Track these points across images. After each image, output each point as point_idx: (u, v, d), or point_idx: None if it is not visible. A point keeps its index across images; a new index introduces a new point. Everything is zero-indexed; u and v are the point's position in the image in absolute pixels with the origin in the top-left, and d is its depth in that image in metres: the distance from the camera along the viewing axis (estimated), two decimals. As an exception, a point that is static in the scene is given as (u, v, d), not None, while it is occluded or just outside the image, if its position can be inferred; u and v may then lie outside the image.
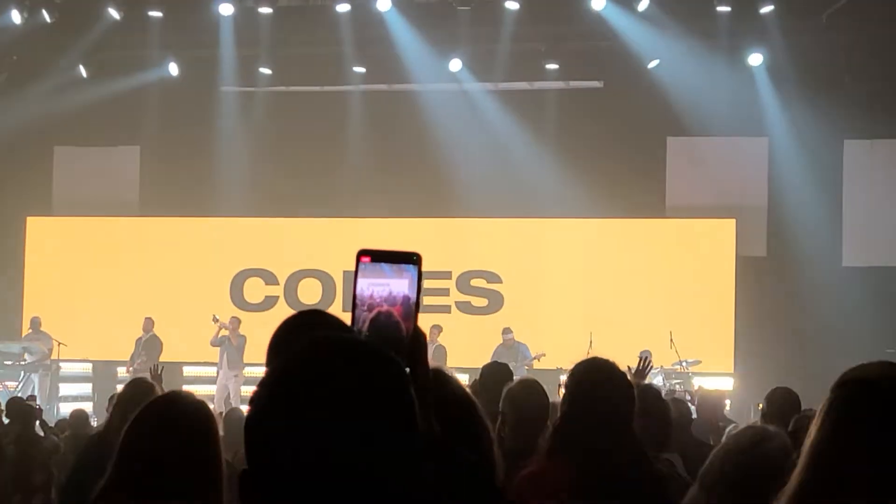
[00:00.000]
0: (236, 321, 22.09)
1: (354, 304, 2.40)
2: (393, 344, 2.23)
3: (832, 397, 2.76)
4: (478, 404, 3.29)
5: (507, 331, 21.79)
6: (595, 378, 4.85)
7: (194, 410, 3.92)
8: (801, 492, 2.70)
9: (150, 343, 22.37)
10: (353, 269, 2.40)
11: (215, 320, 22.00)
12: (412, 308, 2.40)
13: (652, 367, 8.42)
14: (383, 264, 2.42)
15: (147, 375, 19.26)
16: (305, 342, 1.99)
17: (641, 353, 8.89)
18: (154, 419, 3.89)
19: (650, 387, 6.89)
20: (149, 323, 22.57)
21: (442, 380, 3.16)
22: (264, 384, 1.96)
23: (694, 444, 8.78)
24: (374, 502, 1.88)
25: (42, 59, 23.14)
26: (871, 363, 2.83)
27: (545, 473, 4.73)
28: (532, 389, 6.42)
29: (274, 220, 24.30)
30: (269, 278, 24.23)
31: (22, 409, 12.12)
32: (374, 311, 2.39)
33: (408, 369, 2.05)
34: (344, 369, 1.92)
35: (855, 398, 2.73)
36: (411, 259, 2.43)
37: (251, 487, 1.92)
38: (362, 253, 2.42)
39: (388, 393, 1.93)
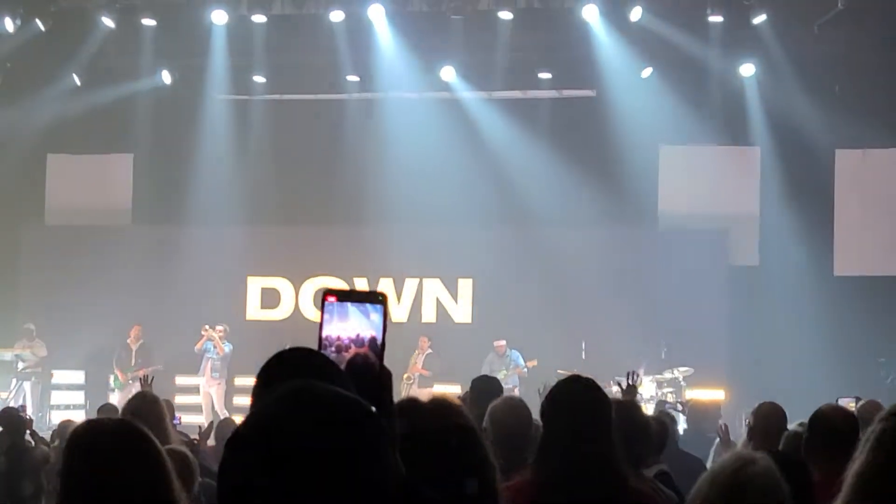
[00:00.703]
0: (223, 330, 22.13)
1: (321, 344, 2.41)
2: (368, 387, 2.24)
3: (882, 427, 2.77)
4: (479, 432, 3.26)
5: (498, 339, 21.83)
6: (573, 395, 4.88)
7: (117, 431, 3.91)
8: None
9: (143, 350, 22.40)
10: (320, 306, 2.41)
11: (205, 329, 22.08)
12: (379, 349, 2.41)
13: (640, 382, 8.47)
14: (350, 304, 2.43)
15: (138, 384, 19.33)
16: (287, 390, 1.98)
17: (629, 371, 8.91)
18: (78, 449, 3.88)
19: (632, 402, 6.91)
20: (139, 331, 22.59)
21: (444, 410, 3.14)
22: (240, 431, 1.96)
23: (680, 456, 8.80)
24: None
25: (35, 67, 23.13)
26: None
27: (523, 486, 4.76)
28: (515, 407, 6.45)
29: (267, 229, 24.29)
30: (263, 286, 24.24)
31: (12, 420, 12.10)
32: (352, 353, 2.40)
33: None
34: (320, 428, 1.91)
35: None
36: (377, 299, 2.44)
37: None
38: (328, 293, 2.42)
39: (364, 453, 1.92)
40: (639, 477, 5.28)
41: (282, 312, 24.08)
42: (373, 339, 2.41)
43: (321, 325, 2.41)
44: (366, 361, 2.38)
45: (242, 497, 1.89)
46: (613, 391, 17.33)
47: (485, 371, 18.76)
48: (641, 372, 18.51)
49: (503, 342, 21.76)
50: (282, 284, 24.27)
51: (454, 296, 23.86)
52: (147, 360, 22.27)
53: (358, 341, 2.41)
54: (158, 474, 3.81)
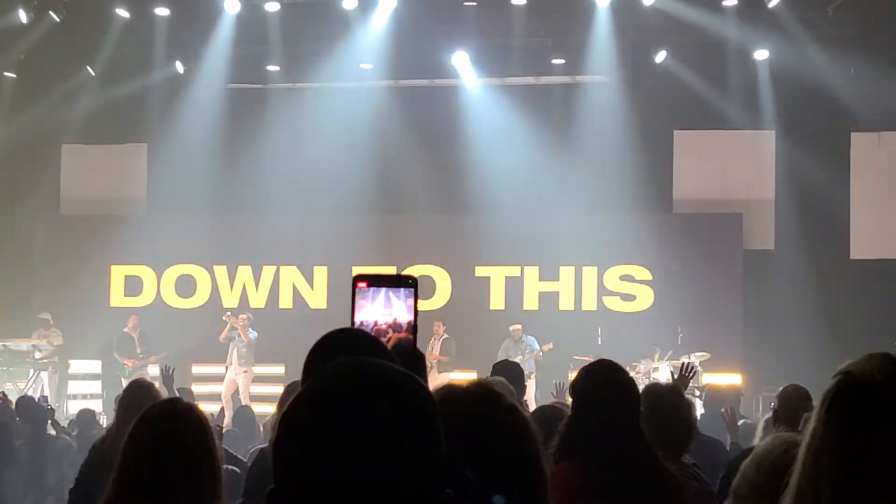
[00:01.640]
0: (247, 318, 22.11)
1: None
2: (415, 370, 2.24)
3: (825, 396, 2.73)
4: (527, 418, 3.05)
5: (514, 324, 21.81)
6: (599, 380, 4.87)
7: (189, 416, 4.00)
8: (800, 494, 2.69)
9: (144, 338, 22.44)
10: (352, 291, 2.40)
11: (227, 317, 22.08)
12: (413, 332, 2.41)
13: (693, 375, 8.36)
14: (382, 289, 2.42)
15: (143, 373, 19.40)
16: (342, 365, 1.97)
17: (685, 363, 8.83)
18: (150, 428, 3.96)
19: (672, 387, 6.85)
20: (136, 320, 22.63)
21: (493, 401, 2.95)
22: (295, 406, 1.95)
23: (701, 441, 8.78)
24: None
25: (49, 58, 23.13)
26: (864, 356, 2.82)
27: (551, 477, 4.74)
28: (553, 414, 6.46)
29: (282, 219, 24.29)
30: (279, 275, 24.25)
31: (33, 410, 12.13)
32: (392, 338, 2.39)
33: None
34: (378, 400, 1.89)
35: (842, 390, 2.71)
36: (408, 283, 2.43)
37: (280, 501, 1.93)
38: (358, 278, 2.41)
39: (420, 428, 1.91)
40: (671, 462, 5.25)
41: (301, 300, 24.12)
42: (409, 324, 2.41)
43: (353, 310, 2.40)
44: (409, 345, 2.39)
45: (300, 472, 1.89)
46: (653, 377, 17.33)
47: (500, 356, 18.76)
48: (698, 365, 18.52)
49: (519, 326, 21.74)
50: (292, 272, 24.29)
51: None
52: (150, 348, 22.32)
53: (396, 326, 2.40)
54: (212, 460, 3.90)
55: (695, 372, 8.40)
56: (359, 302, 2.42)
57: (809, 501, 2.65)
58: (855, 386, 2.66)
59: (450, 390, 2.87)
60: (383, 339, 2.41)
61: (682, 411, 5.95)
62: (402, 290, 2.44)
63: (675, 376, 8.54)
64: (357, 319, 2.42)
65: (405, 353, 2.34)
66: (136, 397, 6.61)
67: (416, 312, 2.42)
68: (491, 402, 2.87)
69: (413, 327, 2.42)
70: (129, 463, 3.91)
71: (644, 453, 4.72)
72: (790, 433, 4.42)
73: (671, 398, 5.81)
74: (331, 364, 1.98)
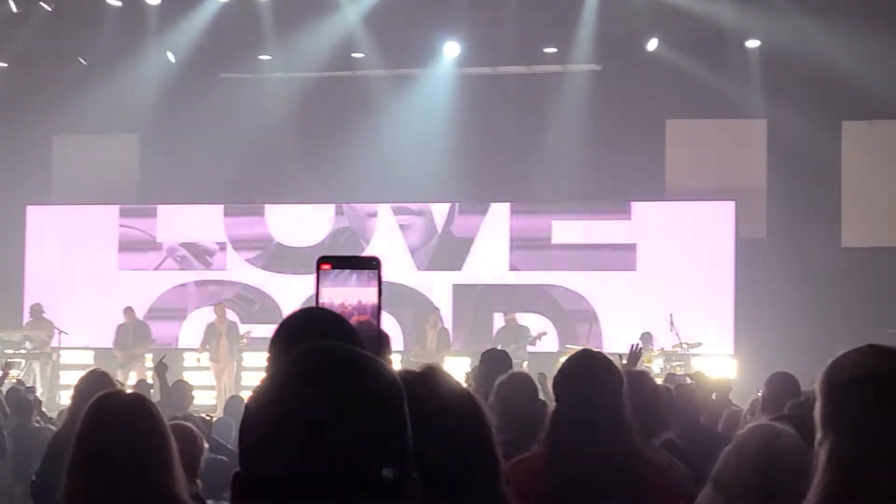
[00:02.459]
0: (221, 309, 22.07)
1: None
2: (376, 350, 2.23)
3: (843, 396, 2.72)
4: (483, 407, 3.22)
5: (509, 312, 21.78)
6: (583, 368, 4.87)
7: (130, 405, 4.00)
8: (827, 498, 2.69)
9: (139, 330, 22.41)
10: (315, 273, 2.39)
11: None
12: (377, 313, 2.40)
13: (641, 353, 8.50)
14: (345, 271, 2.41)
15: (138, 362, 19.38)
16: (306, 350, 1.96)
17: (632, 344, 8.95)
18: (96, 420, 3.96)
19: (642, 372, 6.89)
20: (131, 311, 22.61)
21: (436, 378, 3.07)
22: (260, 394, 1.94)
23: (697, 428, 8.79)
24: None
25: (40, 47, 23.08)
26: (856, 354, 2.81)
27: (534, 460, 4.76)
28: (521, 382, 6.47)
29: (274, 207, 24.30)
30: (269, 264, 24.25)
31: (20, 401, 12.12)
32: (355, 321, 2.38)
33: None
34: (344, 383, 1.90)
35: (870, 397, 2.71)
36: (371, 264, 2.42)
37: (243, 489, 1.92)
38: (322, 260, 2.41)
39: (386, 413, 1.91)
40: (652, 448, 5.27)
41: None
42: (373, 306, 2.41)
43: (317, 292, 2.40)
44: (372, 328, 2.38)
45: (264, 459, 1.88)
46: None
47: (496, 344, 18.82)
48: (643, 343, 18.58)
49: (514, 315, 21.72)
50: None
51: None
52: (143, 337, 22.29)
53: (360, 308, 2.40)
54: (159, 443, 3.89)
55: (640, 351, 8.56)
56: (323, 284, 2.42)
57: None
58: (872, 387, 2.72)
59: (403, 376, 2.88)
60: (356, 323, 2.40)
61: (646, 392, 5.95)
62: (365, 271, 2.43)
63: (624, 360, 8.66)
64: (321, 302, 2.42)
65: (369, 335, 2.34)
66: (90, 388, 6.62)
67: (380, 294, 2.41)
68: (436, 385, 2.87)
69: (377, 308, 2.41)
70: (79, 457, 3.91)
71: (622, 444, 4.71)
72: (771, 423, 4.41)
73: (634, 381, 5.81)
74: (295, 350, 1.97)
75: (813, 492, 2.75)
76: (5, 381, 13.48)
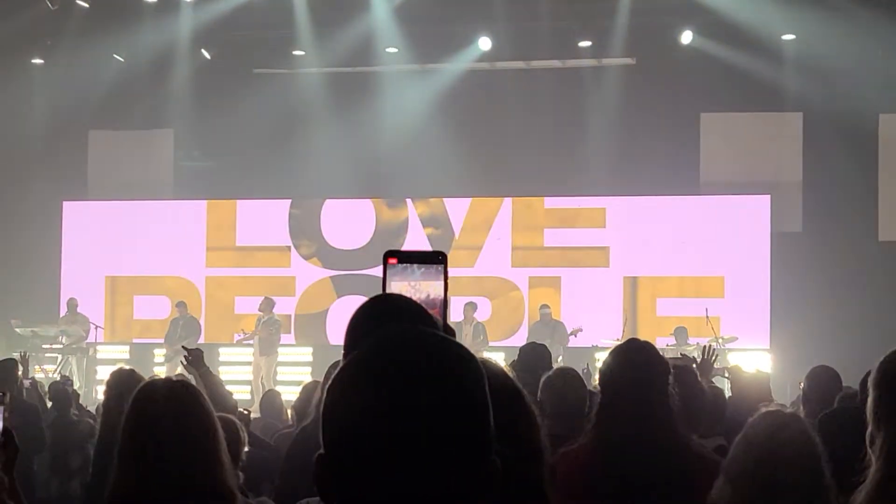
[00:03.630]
0: (270, 302, 22.13)
1: None
2: None
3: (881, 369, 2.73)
4: (525, 394, 3.21)
5: (544, 306, 21.69)
6: (631, 359, 4.86)
7: (176, 392, 4.00)
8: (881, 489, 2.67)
9: (189, 325, 22.49)
10: (382, 268, 2.39)
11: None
12: (444, 308, 2.40)
13: (715, 358, 8.32)
14: (412, 265, 2.41)
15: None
16: (388, 334, 1.96)
17: (678, 338, 8.85)
18: (142, 408, 3.96)
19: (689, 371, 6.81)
20: (183, 306, 22.69)
21: (483, 371, 3.04)
22: (343, 376, 1.94)
23: (732, 425, 8.72)
24: (439, 495, 1.86)
25: (76, 43, 23.17)
26: None
27: (580, 452, 4.74)
28: (570, 378, 6.45)
29: (309, 202, 24.35)
30: (306, 258, 24.31)
31: (58, 393, 12.17)
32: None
33: None
34: (426, 369, 1.89)
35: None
36: (438, 259, 2.42)
37: (326, 471, 1.91)
38: (389, 254, 2.41)
39: (469, 398, 1.91)
40: (698, 443, 5.23)
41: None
42: (442, 301, 2.41)
43: (384, 286, 2.40)
44: (441, 322, 2.38)
45: (347, 443, 1.87)
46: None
47: (531, 339, 18.77)
48: (677, 338, 18.50)
49: (549, 309, 21.63)
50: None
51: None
52: (192, 332, 22.38)
53: (430, 303, 2.40)
54: (210, 434, 3.88)
55: (716, 356, 8.33)
56: (390, 278, 2.41)
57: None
58: None
59: None
60: None
61: (695, 392, 5.92)
62: (433, 266, 2.43)
63: (699, 362, 8.49)
64: None
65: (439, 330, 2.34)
66: (119, 385, 6.66)
67: (446, 288, 2.41)
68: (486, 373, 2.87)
69: (444, 303, 2.41)
70: (128, 446, 3.92)
71: (668, 434, 4.69)
72: (777, 411, 4.36)
73: (687, 379, 5.79)
74: (377, 333, 1.97)
75: (868, 482, 2.74)
76: (31, 374, 13.51)
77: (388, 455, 1.84)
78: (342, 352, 2.06)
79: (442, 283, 2.40)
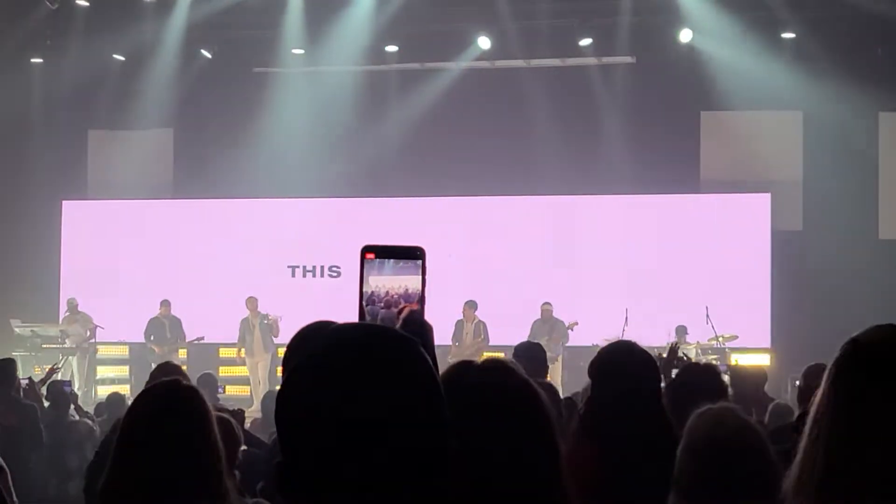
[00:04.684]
0: (253, 303, 22.11)
1: (364, 300, 2.39)
2: (424, 341, 2.23)
3: (832, 364, 2.73)
4: (541, 394, 3.21)
5: (546, 303, 21.57)
6: (617, 360, 4.85)
7: (189, 395, 4.00)
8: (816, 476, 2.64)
9: (175, 324, 22.50)
10: (360, 263, 2.39)
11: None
12: (421, 303, 2.41)
13: (681, 358, 8.24)
14: (390, 260, 2.42)
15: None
16: (333, 332, 1.98)
17: (679, 337, 8.83)
18: (149, 407, 3.96)
19: (696, 364, 6.77)
20: (168, 306, 22.68)
21: (503, 371, 3.08)
22: (290, 377, 1.95)
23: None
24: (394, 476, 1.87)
25: (76, 42, 23.17)
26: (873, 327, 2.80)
27: (569, 456, 4.73)
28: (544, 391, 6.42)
29: (308, 201, 24.34)
30: (307, 260, 24.30)
31: (56, 394, 12.19)
32: (404, 309, 2.39)
33: None
34: (370, 349, 1.91)
35: (848, 357, 2.70)
36: (416, 254, 2.42)
37: (286, 477, 1.91)
38: (367, 249, 2.41)
39: (417, 372, 1.92)
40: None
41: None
42: (420, 295, 2.41)
43: (361, 281, 2.40)
44: (418, 317, 2.38)
45: (301, 443, 1.88)
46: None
47: (530, 336, 18.79)
48: (678, 336, 18.48)
49: (549, 306, 21.54)
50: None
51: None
52: (179, 333, 22.40)
53: (407, 297, 2.41)
54: (204, 431, 3.88)
55: (678, 354, 8.25)
56: (368, 273, 2.42)
57: (809, 466, 2.61)
58: (859, 351, 2.64)
59: (464, 365, 2.90)
60: (395, 310, 2.42)
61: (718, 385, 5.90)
62: (410, 261, 2.44)
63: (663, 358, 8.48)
64: (366, 290, 2.42)
65: (415, 324, 2.35)
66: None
67: (424, 283, 2.41)
68: (504, 374, 2.90)
69: (421, 298, 2.41)
70: (124, 441, 3.92)
71: (664, 434, 4.68)
72: (711, 408, 4.14)
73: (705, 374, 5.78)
74: (322, 335, 1.97)
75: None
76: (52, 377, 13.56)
77: (340, 441, 1.84)
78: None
79: (420, 277, 2.41)
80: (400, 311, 2.42)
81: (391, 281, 2.41)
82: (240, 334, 22.12)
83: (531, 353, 7.85)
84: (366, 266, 2.41)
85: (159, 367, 7.32)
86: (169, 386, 4.06)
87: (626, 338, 19.38)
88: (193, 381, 5.53)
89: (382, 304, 2.40)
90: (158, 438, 3.82)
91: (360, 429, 1.84)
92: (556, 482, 2.94)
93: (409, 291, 2.41)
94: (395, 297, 2.41)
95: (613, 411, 4.71)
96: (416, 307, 2.40)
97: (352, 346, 1.92)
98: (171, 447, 3.80)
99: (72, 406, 12.25)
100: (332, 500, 1.87)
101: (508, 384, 2.90)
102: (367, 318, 2.39)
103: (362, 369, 1.88)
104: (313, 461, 1.87)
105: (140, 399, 4.06)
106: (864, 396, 2.60)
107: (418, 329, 2.33)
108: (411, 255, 2.43)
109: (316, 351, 1.94)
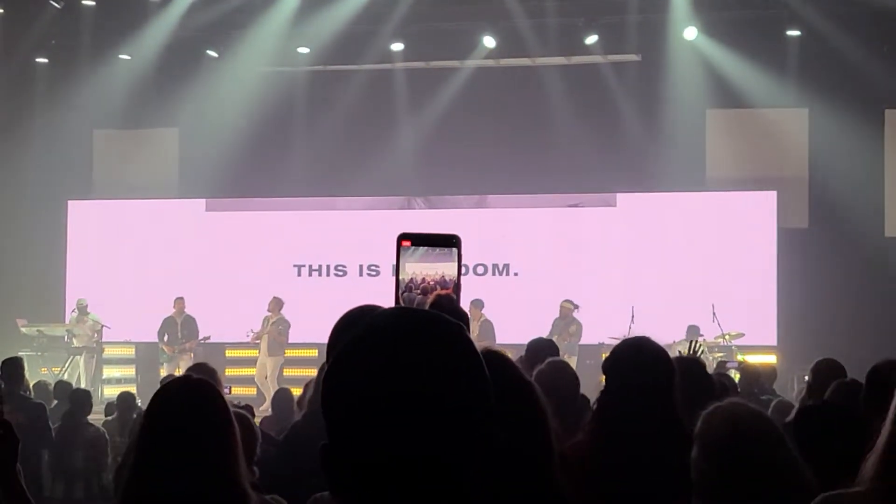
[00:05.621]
0: (279, 302, 22.13)
1: (400, 286, 2.40)
2: None
3: None
4: (536, 387, 3.22)
5: (566, 301, 21.46)
6: (632, 353, 4.84)
7: (192, 387, 4.03)
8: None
9: (188, 323, 22.51)
10: (395, 253, 2.40)
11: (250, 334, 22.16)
12: (457, 291, 2.41)
13: (701, 350, 8.28)
14: (426, 248, 2.42)
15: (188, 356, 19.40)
16: (381, 315, 1.96)
17: (691, 337, 8.82)
18: (170, 400, 3.97)
19: (696, 360, 6.77)
20: (182, 304, 22.69)
21: (499, 362, 3.09)
22: (339, 355, 1.93)
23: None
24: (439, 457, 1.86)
25: (81, 42, 23.18)
26: None
27: (580, 446, 4.73)
28: (561, 369, 6.44)
29: (314, 201, 24.33)
30: (313, 260, 24.29)
31: (78, 397, 12.16)
32: (434, 294, 2.39)
33: None
34: (421, 332, 1.89)
35: None
36: (452, 242, 2.43)
37: (333, 455, 1.90)
38: (403, 237, 2.42)
39: (467, 361, 1.91)
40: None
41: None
42: (454, 282, 2.42)
43: (397, 268, 2.41)
44: (452, 302, 2.39)
45: (350, 426, 1.87)
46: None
47: (549, 334, 18.93)
48: (703, 341, 18.46)
49: (570, 305, 21.48)
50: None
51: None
52: (192, 332, 22.41)
53: (443, 283, 2.42)
54: (226, 429, 3.90)
55: (701, 348, 8.28)
56: (404, 260, 2.43)
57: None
58: None
59: None
60: (429, 297, 2.43)
61: (706, 380, 5.89)
62: (446, 248, 2.44)
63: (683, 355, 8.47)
64: (402, 277, 2.43)
65: (447, 311, 2.35)
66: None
67: (459, 270, 2.42)
68: (499, 368, 2.90)
69: (457, 286, 2.42)
70: (142, 440, 3.93)
71: (674, 423, 4.68)
72: (722, 409, 4.08)
73: (693, 368, 5.76)
74: (366, 319, 1.96)
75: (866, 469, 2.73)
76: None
77: (391, 416, 1.83)
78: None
79: (455, 264, 2.41)
80: (432, 297, 2.43)
81: (427, 267, 2.42)
82: (261, 329, 22.18)
83: (539, 350, 7.83)
84: (402, 253, 2.42)
85: (194, 367, 7.36)
86: (186, 382, 4.07)
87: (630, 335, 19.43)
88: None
89: (419, 291, 2.41)
90: (180, 434, 3.83)
91: (408, 403, 1.83)
92: (550, 477, 2.95)
93: (446, 278, 2.42)
94: (432, 283, 2.42)
95: (626, 406, 4.70)
96: (450, 293, 2.41)
97: (396, 328, 1.90)
98: (194, 443, 3.81)
99: (89, 411, 12.22)
100: (380, 481, 1.85)
101: (503, 378, 2.90)
102: (408, 302, 2.40)
103: (407, 348, 1.86)
104: (363, 443, 1.85)
105: (160, 396, 4.06)
106: None
107: (456, 314, 2.33)
108: (447, 242, 2.44)
109: (361, 333, 1.93)
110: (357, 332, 1.94)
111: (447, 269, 2.42)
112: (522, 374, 3.19)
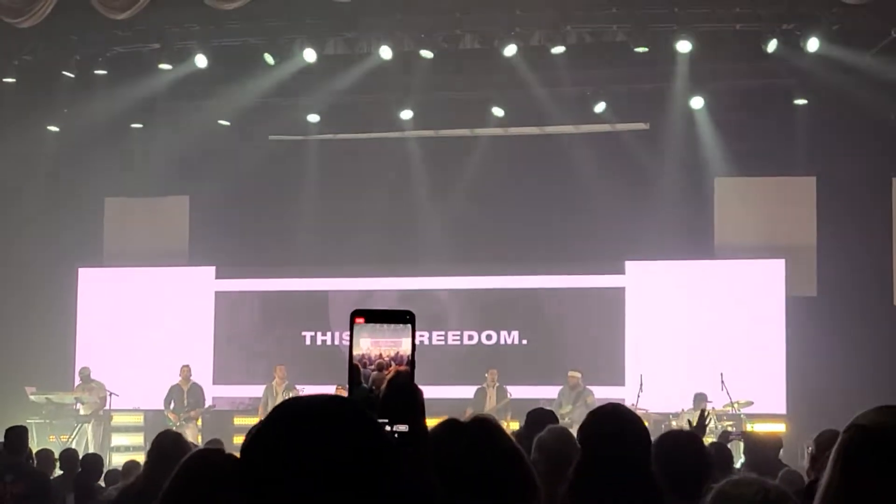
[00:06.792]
0: (282, 371, 22.15)
1: (354, 364, 2.42)
2: (407, 405, 2.27)
3: (842, 439, 2.75)
4: (525, 456, 3.25)
5: (574, 371, 21.44)
6: (607, 423, 4.84)
7: (224, 463, 4.01)
8: None
9: (194, 390, 22.51)
10: (349, 327, 2.43)
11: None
12: (411, 367, 2.44)
13: (710, 421, 8.26)
14: (380, 324, 2.45)
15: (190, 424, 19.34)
16: (282, 404, 2.13)
17: (697, 403, 8.79)
18: (188, 474, 3.99)
19: (692, 438, 6.73)
20: (188, 371, 22.70)
21: (487, 432, 3.12)
22: (251, 441, 2.08)
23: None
24: None
25: (93, 111, 23.31)
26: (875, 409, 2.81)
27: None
28: (562, 437, 6.43)
29: (325, 268, 24.37)
30: (323, 326, 24.31)
31: (91, 464, 12.19)
32: (392, 371, 2.42)
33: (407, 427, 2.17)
34: (307, 414, 2.06)
35: (857, 444, 2.72)
36: (405, 318, 2.46)
37: None
38: (356, 313, 2.45)
39: (349, 433, 2.02)
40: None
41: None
42: (410, 358, 2.44)
43: (350, 345, 2.44)
44: (407, 379, 2.41)
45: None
46: (673, 425, 17.17)
47: (554, 405, 18.91)
48: (712, 410, 18.40)
49: (577, 374, 21.46)
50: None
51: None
52: (198, 400, 22.41)
53: (398, 359, 2.44)
54: None
55: (710, 418, 8.27)
56: (357, 337, 2.45)
57: None
58: (867, 439, 2.68)
59: (452, 425, 2.95)
60: (385, 373, 2.46)
61: (699, 456, 5.83)
62: (400, 325, 2.47)
63: (693, 425, 8.45)
64: (356, 353, 2.45)
65: (402, 388, 2.39)
66: (163, 447, 6.77)
67: (413, 347, 2.45)
68: (489, 438, 2.95)
69: (411, 362, 2.45)
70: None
71: (651, 496, 4.67)
72: (753, 476, 3.97)
73: (687, 443, 5.73)
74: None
75: None
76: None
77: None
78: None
79: (409, 340, 2.44)
80: (388, 374, 2.47)
81: (381, 344, 2.45)
82: (263, 399, 22.11)
83: (538, 420, 7.81)
84: (355, 330, 2.45)
85: (159, 436, 7.43)
86: (224, 457, 4.11)
87: (640, 403, 19.37)
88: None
89: (374, 367, 2.44)
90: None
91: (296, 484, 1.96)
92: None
93: (400, 354, 2.45)
94: (387, 359, 2.44)
95: (602, 476, 4.69)
96: (405, 369, 2.44)
97: (292, 413, 2.07)
98: None
99: (101, 477, 12.24)
100: None
101: (490, 445, 2.94)
102: (364, 379, 2.43)
103: (295, 432, 2.00)
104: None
105: (191, 467, 4.11)
106: (875, 487, 2.62)
107: (408, 394, 2.36)
108: (400, 318, 2.47)
109: (265, 419, 2.09)
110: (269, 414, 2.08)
111: (401, 345, 2.45)
112: (512, 442, 3.22)
